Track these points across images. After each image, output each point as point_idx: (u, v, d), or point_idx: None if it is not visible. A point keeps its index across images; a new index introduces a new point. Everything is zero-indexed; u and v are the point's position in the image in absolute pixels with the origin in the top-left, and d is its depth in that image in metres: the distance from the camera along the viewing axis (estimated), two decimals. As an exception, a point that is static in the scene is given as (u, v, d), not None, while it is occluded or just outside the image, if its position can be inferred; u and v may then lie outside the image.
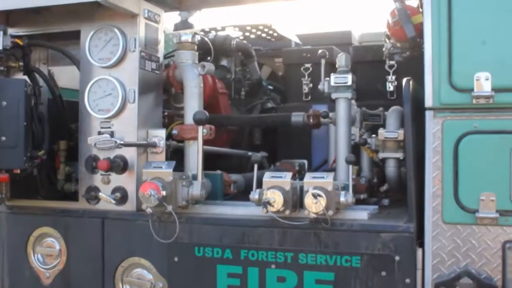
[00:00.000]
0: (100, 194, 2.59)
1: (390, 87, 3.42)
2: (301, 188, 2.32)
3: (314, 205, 2.23)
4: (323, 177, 2.30)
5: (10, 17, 2.84)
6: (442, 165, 2.19)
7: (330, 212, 2.24)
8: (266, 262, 2.38)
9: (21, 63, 2.71)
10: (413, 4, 2.85)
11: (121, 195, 2.60)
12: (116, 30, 2.63)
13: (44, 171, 2.82)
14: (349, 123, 2.65)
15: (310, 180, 2.31)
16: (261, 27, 3.88)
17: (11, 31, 2.83)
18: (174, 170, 2.45)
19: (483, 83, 2.14)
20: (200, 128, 2.51)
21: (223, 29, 3.87)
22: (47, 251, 2.75)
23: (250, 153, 3.29)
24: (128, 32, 2.63)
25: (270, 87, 3.97)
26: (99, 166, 2.56)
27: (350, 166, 2.38)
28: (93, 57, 2.68)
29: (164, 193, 2.37)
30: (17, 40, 2.69)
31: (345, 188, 2.36)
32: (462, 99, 2.17)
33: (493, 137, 2.14)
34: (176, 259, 2.51)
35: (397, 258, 2.21)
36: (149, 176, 2.42)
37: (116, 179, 2.62)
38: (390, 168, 2.72)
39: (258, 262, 2.40)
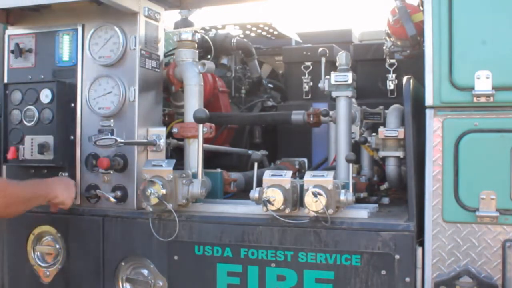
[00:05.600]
0: (100, 192, 2.60)
1: (390, 85, 3.42)
2: (301, 186, 2.32)
3: (314, 204, 2.23)
4: (323, 176, 2.30)
5: (9, 16, 2.83)
6: (443, 163, 2.18)
7: (330, 211, 2.24)
8: (266, 260, 2.38)
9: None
10: (413, 3, 2.85)
11: (121, 194, 2.60)
12: (116, 28, 2.63)
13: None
14: (349, 122, 2.64)
15: (310, 178, 2.30)
16: (261, 25, 3.87)
17: (11, 29, 2.84)
18: (174, 168, 2.45)
19: (484, 82, 2.14)
20: (200, 126, 2.51)
21: (223, 27, 3.85)
22: (47, 250, 2.74)
23: (250, 152, 3.29)
24: (128, 30, 2.63)
25: (270, 85, 3.97)
26: (99, 165, 2.55)
27: (350, 165, 2.38)
28: (93, 55, 2.67)
29: (164, 191, 2.37)
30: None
31: (345, 186, 2.36)
32: (462, 97, 2.17)
33: (494, 136, 2.14)
34: (176, 257, 2.51)
35: (397, 256, 2.21)
36: (149, 175, 2.43)
37: (116, 178, 2.62)
38: (390, 167, 2.71)
39: (258, 261, 2.39)
